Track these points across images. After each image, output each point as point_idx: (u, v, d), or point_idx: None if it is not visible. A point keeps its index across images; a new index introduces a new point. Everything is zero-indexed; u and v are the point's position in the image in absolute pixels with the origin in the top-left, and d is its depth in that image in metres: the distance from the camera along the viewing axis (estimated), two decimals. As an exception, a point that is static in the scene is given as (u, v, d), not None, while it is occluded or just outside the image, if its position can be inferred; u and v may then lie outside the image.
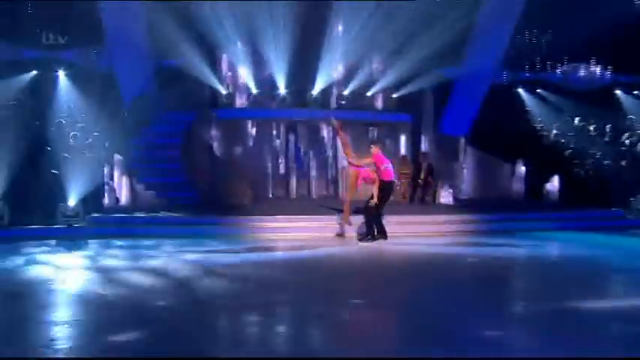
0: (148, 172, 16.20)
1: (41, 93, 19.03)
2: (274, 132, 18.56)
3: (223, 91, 18.89)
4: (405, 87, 18.71)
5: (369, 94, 18.94)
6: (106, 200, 14.84)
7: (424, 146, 18.86)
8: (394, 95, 19.16)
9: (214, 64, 20.01)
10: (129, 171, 15.68)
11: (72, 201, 13.83)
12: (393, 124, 18.95)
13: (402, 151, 18.72)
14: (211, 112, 18.48)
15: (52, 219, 13.53)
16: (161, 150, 17.17)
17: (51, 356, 4.92)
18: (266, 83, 18.66)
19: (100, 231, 13.00)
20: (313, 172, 18.46)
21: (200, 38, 19.25)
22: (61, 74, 19.81)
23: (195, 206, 15.42)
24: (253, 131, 18.69)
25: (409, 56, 18.09)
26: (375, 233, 11.99)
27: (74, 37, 19.62)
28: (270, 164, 18.65)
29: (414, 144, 19.04)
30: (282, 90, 18.53)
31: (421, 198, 16.95)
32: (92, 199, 14.24)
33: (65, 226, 13.37)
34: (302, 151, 18.58)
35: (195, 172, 16.83)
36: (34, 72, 19.41)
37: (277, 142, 18.53)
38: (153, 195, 15.38)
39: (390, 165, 12.25)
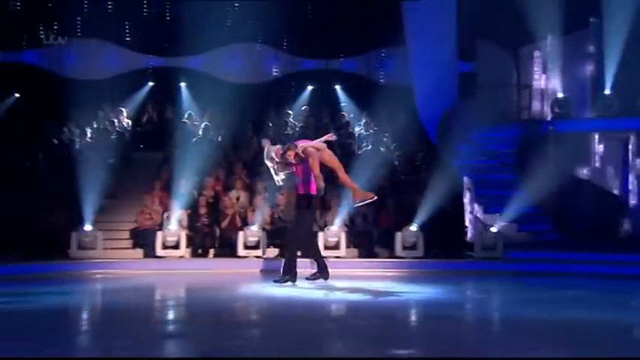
0: (491, 200, 12.14)
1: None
2: (631, 147, 13.64)
3: (556, 98, 14.45)
4: None
5: None
6: (469, 234, 10.91)
7: None
8: None
9: (523, 65, 16.01)
10: (476, 199, 11.70)
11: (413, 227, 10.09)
12: None
13: None
14: (545, 125, 14.10)
15: None
16: (492, 174, 13.06)
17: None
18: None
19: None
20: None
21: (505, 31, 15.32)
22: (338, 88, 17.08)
23: (560, 242, 11.26)
24: (600, 148, 13.98)
25: None
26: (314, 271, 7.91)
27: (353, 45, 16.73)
28: (619, 191, 13.80)
29: None
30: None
31: None
32: (441, 230, 10.34)
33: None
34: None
35: (541, 199, 12.49)
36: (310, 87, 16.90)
37: (637, 161, 13.56)
38: (511, 228, 11.24)
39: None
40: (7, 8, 15.09)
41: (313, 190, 7.74)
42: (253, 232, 9.90)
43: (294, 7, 16.27)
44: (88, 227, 9.86)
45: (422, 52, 14.80)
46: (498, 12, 14.65)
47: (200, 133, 13.97)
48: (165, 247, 9.85)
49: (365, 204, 7.73)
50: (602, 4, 13.76)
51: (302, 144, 7.81)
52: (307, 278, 7.82)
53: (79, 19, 15.58)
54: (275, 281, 7.79)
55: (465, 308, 6.96)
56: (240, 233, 10.02)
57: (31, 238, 10.20)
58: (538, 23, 14.48)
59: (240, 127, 14.50)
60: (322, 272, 7.79)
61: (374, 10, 15.89)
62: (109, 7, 15.73)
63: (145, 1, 16.05)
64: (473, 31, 15.28)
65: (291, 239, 7.88)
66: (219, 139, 14.07)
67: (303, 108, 16.00)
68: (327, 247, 9.77)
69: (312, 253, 7.94)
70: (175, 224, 9.99)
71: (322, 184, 7.50)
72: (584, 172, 13.52)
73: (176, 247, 9.81)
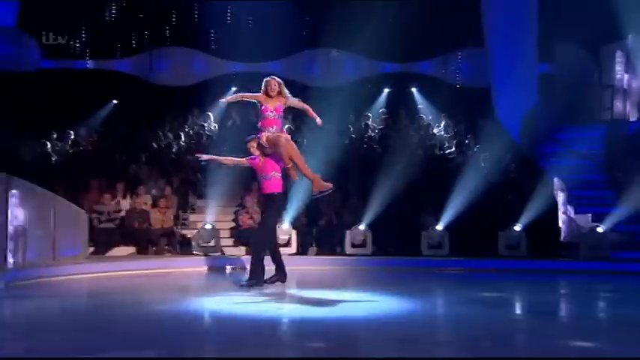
0: (582, 201, 12.15)
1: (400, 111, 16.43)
2: None
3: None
4: None
5: None
6: (562, 234, 11.04)
7: None
8: None
9: (604, 64, 15.88)
10: (568, 198, 11.75)
11: (517, 227, 10.28)
12: None
13: None
14: (631, 125, 13.99)
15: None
16: (581, 174, 13.01)
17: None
18: None
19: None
20: None
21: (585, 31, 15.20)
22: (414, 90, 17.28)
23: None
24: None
25: None
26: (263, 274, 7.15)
27: (436, 43, 16.87)
28: None
29: None
30: None
31: None
32: (538, 230, 10.45)
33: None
34: None
35: (633, 200, 12.41)
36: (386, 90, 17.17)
37: None
38: (607, 229, 11.21)
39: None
40: (103, 19, 15.94)
41: (278, 188, 7.19)
42: (360, 230, 10.25)
43: (370, 12, 16.53)
44: (208, 226, 10.42)
45: (502, 53, 14.86)
46: (578, 12, 14.60)
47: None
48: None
49: (323, 195, 7.11)
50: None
51: (265, 133, 6.98)
52: (265, 281, 7.29)
53: (167, 28, 16.30)
54: (242, 285, 7.15)
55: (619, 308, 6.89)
56: (348, 232, 10.38)
57: (142, 235, 10.87)
58: (620, 22, 14.36)
59: (323, 129, 14.88)
60: (280, 275, 7.35)
61: (452, 13, 16.00)
62: (196, 16, 16.39)
63: (228, 10, 16.64)
64: (551, 31, 15.26)
65: (257, 241, 7.28)
66: (304, 141, 14.50)
67: (380, 110, 16.31)
68: (431, 247, 10.04)
69: (272, 254, 7.38)
70: (287, 223, 10.42)
71: (296, 176, 7.03)
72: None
73: (287, 244, 10.24)
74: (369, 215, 10.43)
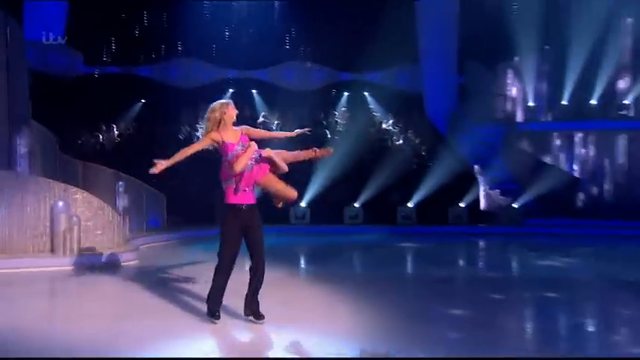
0: (491, 179, 16.45)
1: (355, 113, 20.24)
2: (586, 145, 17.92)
3: (528, 105, 18.89)
4: None
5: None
6: (482, 205, 15.49)
7: None
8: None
9: (504, 78, 20.17)
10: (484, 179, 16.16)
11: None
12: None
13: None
14: (518, 125, 18.56)
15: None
16: (485, 160, 17.29)
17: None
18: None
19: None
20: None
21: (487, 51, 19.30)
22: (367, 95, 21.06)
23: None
24: (557, 143, 18.49)
25: None
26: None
27: (382, 59, 20.60)
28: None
29: None
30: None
31: None
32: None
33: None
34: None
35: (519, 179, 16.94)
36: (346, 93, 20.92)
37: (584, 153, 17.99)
38: (508, 200, 15.40)
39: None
40: (127, 33, 19.09)
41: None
42: (356, 207, 14.53)
43: (333, 29, 19.89)
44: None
45: (431, 67, 18.97)
46: (482, 35, 18.68)
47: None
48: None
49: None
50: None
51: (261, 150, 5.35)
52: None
53: (179, 42, 19.57)
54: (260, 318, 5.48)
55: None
56: (346, 208, 14.54)
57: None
58: (515, 42, 18.56)
59: (301, 125, 18.65)
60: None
61: (391, 36, 19.45)
62: (202, 31, 19.64)
63: (226, 29, 20.02)
64: (465, 51, 19.28)
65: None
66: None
67: (342, 109, 20.18)
68: (404, 218, 14.42)
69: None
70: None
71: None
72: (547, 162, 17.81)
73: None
74: (363, 195, 14.40)
